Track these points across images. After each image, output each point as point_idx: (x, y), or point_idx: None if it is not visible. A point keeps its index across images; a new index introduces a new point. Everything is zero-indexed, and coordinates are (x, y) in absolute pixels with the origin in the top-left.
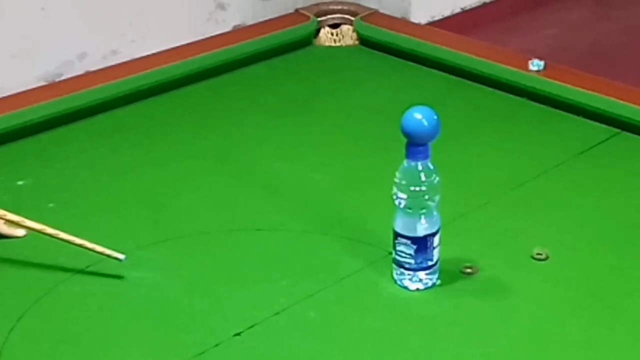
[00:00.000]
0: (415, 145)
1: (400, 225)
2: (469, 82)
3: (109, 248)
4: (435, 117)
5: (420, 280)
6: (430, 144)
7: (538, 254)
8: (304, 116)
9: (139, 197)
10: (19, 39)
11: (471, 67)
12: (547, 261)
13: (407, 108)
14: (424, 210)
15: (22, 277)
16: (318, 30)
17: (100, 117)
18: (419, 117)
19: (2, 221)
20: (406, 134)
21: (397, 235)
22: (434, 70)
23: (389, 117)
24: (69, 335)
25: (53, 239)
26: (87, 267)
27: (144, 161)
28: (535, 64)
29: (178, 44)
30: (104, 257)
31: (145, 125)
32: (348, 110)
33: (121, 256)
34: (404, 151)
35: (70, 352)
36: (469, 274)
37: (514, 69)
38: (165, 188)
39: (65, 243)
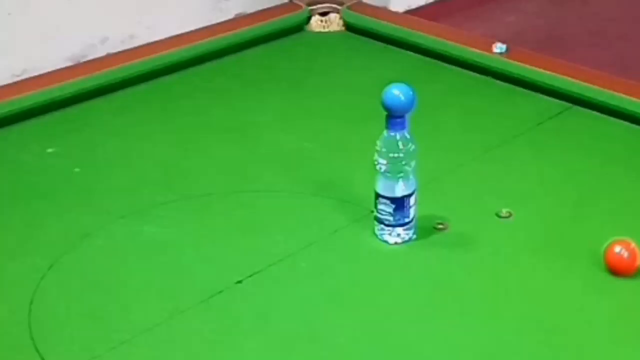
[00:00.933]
0: (394, 117)
1: (381, 187)
2: (441, 63)
3: (127, 207)
4: (412, 92)
5: (399, 235)
6: (407, 117)
7: (504, 212)
8: (297, 92)
9: (154, 162)
10: (48, 25)
11: (443, 50)
12: (510, 219)
13: (387, 85)
14: (401, 174)
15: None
16: (309, 18)
17: (119, 94)
18: (397, 92)
19: None
20: (386, 108)
21: (378, 195)
22: (411, 53)
23: (371, 93)
24: (94, 282)
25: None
26: (110, 222)
27: (159, 131)
28: (499, 47)
29: (187, 30)
30: (123, 215)
31: (159, 100)
32: (336, 87)
33: None
34: (384, 123)
35: (95, 295)
36: (441, 229)
37: (480, 52)
38: (176, 154)
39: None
